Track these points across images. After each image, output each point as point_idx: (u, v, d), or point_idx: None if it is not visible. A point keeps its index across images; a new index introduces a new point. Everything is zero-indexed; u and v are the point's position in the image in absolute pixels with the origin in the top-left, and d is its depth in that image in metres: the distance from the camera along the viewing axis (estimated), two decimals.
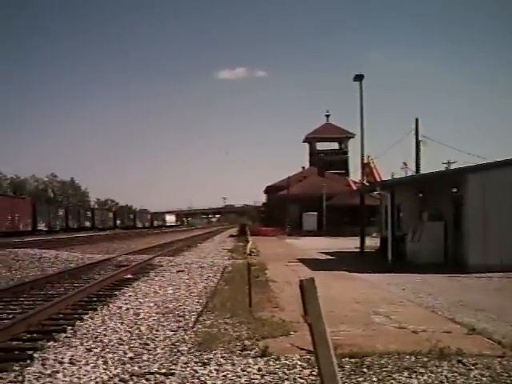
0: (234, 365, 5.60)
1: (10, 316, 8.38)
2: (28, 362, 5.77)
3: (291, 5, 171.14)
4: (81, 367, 5.60)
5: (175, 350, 6.26)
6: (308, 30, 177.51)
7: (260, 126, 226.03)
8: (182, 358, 5.92)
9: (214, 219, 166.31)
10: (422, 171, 30.29)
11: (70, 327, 7.53)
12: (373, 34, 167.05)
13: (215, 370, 5.44)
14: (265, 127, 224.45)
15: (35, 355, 5.99)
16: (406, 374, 5.26)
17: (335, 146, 79.63)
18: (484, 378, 5.13)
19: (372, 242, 26.23)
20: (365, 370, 5.41)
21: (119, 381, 5.15)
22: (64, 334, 7.13)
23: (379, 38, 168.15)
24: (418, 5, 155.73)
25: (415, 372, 5.31)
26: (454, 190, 17.83)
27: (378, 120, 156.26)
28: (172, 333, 7.24)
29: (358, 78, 28.01)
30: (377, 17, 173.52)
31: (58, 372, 5.41)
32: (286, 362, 5.67)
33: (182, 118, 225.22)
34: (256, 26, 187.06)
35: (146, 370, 5.45)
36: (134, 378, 5.22)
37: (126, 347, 6.45)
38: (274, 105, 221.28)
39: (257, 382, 5.07)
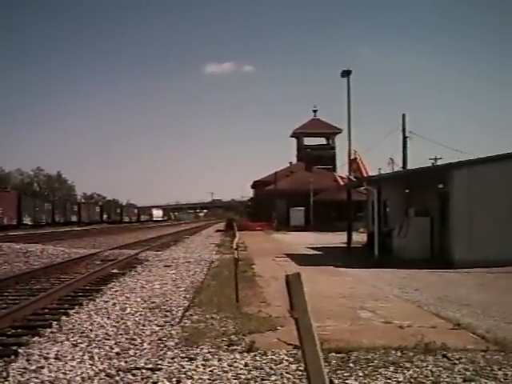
0: (220, 360, 5.59)
1: None
2: (12, 357, 5.72)
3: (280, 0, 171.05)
4: (66, 362, 5.56)
5: (162, 345, 6.24)
6: (296, 25, 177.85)
7: (247, 121, 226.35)
8: (169, 353, 5.91)
9: (201, 214, 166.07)
10: (409, 167, 30.52)
11: (55, 322, 7.48)
12: (362, 29, 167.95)
13: (202, 365, 5.43)
14: (252, 122, 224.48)
15: (20, 350, 5.95)
16: (391, 368, 5.30)
17: (322, 141, 79.69)
18: (468, 372, 5.18)
19: (359, 238, 26.35)
20: (351, 364, 5.43)
21: (105, 376, 5.13)
22: (49, 329, 7.08)
23: (369, 34, 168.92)
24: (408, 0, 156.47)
25: (401, 367, 5.35)
26: (440, 185, 17.97)
27: (366, 115, 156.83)
28: (159, 328, 7.22)
29: (346, 73, 28.07)
30: (366, 12, 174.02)
31: (43, 367, 5.38)
32: (273, 357, 5.68)
33: (169, 114, 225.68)
34: (244, 20, 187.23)
35: (133, 366, 5.44)
36: (120, 373, 5.20)
37: (113, 342, 6.42)
38: (261, 100, 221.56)
39: (243, 377, 5.07)
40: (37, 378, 5.08)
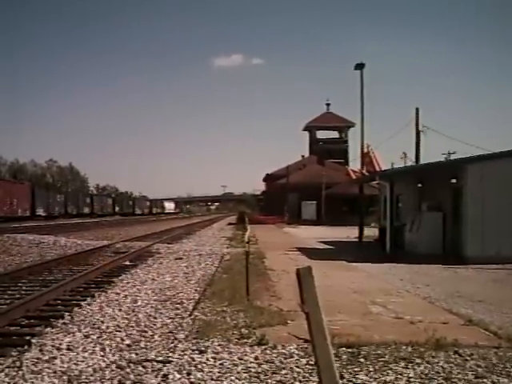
0: (230, 353, 5.60)
1: (8, 301, 8.40)
2: (26, 347, 5.79)
3: None
4: (78, 353, 5.61)
5: (172, 338, 6.27)
6: (306, 18, 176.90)
7: (259, 113, 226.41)
8: (180, 345, 5.93)
9: (213, 207, 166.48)
10: (422, 161, 30.27)
11: (67, 313, 7.54)
12: (374, 25, 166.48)
13: (212, 357, 5.45)
14: (264, 115, 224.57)
15: (33, 341, 6.01)
16: (402, 364, 5.27)
17: (335, 134, 79.41)
18: (480, 369, 5.13)
19: (371, 232, 26.25)
20: (361, 359, 5.41)
21: (116, 368, 5.16)
22: (62, 320, 7.15)
23: (380, 30, 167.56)
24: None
25: (412, 362, 5.32)
26: (454, 180, 17.81)
27: (379, 110, 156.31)
28: (169, 320, 7.25)
29: (359, 66, 27.90)
30: (378, 7, 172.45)
31: (55, 358, 5.43)
32: (283, 350, 5.68)
33: (181, 108, 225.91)
34: (252, 13, 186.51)
35: (144, 358, 5.47)
36: (131, 365, 5.23)
37: (124, 334, 6.46)
38: (272, 92, 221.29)
39: (253, 370, 5.07)
40: (49, 368, 5.12)
